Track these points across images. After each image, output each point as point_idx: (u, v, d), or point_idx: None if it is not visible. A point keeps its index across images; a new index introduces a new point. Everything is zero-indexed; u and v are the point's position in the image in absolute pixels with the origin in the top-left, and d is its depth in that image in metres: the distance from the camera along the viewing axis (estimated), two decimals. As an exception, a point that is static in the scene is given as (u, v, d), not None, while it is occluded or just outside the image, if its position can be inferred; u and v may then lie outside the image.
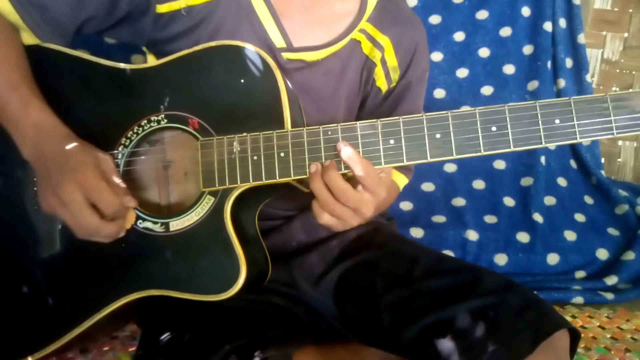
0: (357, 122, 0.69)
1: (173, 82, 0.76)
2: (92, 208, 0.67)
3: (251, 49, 0.73)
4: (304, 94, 0.81)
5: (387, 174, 0.71)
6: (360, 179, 0.67)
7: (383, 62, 0.90)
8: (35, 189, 0.78)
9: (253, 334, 0.75)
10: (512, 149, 0.65)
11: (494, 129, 0.65)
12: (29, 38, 0.78)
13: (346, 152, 0.68)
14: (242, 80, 0.73)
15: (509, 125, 0.65)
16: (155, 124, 0.76)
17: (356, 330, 0.86)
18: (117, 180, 0.71)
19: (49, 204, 0.69)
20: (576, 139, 0.63)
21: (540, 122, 0.64)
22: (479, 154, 0.66)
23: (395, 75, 0.91)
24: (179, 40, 0.82)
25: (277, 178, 0.70)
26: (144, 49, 0.89)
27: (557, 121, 0.64)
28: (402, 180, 0.96)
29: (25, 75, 0.75)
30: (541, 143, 0.64)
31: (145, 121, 0.77)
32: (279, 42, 0.83)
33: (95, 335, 0.92)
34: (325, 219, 0.70)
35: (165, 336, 0.76)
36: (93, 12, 0.78)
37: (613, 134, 0.62)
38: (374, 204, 0.69)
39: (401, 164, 0.68)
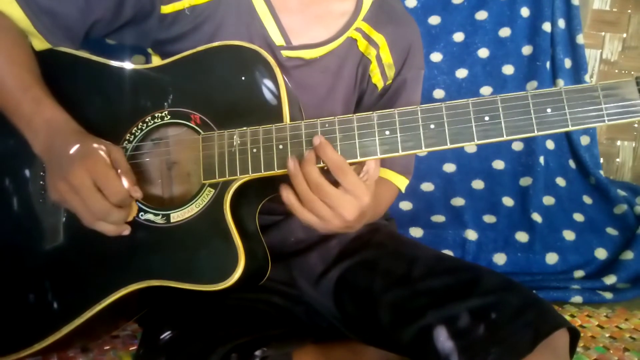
0: (354, 115, 0.70)
1: (177, 81, 0.78)
2: (101, 193, 0.68)
3: (252, 48, 0.75)
4: (302, 91, 0.82)
5: (372, 180, 0.70)
6: (335, 175, 0.68)
7: (378, 59, 0.91)
8: (41, 183, 0.79)
9: (253, 332, 0.75)
10: (505, 137, 0.66)
11: (486, 118, 0.66)
12: (39, 44, 0.80)
13: (315, 142, 0.69)
14: (243, 78, 0.75)
15: (501, 115, 0.66)
16: (159, 120, 0.78)
17: (356, 330, 0.87)
18: (126, 170, 0.72)
19: (59, 191, 0.70)
20: (568, 126, 0.64)
21: (532, 111, 0.65)
22: (472, 142, 0.67)
23: (390, 73, 0.92)
24: (183, 40, 0.83)
25: (276, 170, 0.71)
26: (150, 50, 0.91)
27: (548, 110, 0.65)
28: (401, 182, 0.96)
29: (36, 76, 0.76)
30: (534, 131, 0.65)
31: (150, 117, 0.78)
32: (278, 40, 0.84)
33: (96, 333, 0.92)
34: (306, 215, 0.70)
35: (165, 335, 0.76)
36: (100, 15, 0.80)
37: (604, 121, 0.63)
38: (357, 208, 0.69)
39: (396, 154, 0.69)
